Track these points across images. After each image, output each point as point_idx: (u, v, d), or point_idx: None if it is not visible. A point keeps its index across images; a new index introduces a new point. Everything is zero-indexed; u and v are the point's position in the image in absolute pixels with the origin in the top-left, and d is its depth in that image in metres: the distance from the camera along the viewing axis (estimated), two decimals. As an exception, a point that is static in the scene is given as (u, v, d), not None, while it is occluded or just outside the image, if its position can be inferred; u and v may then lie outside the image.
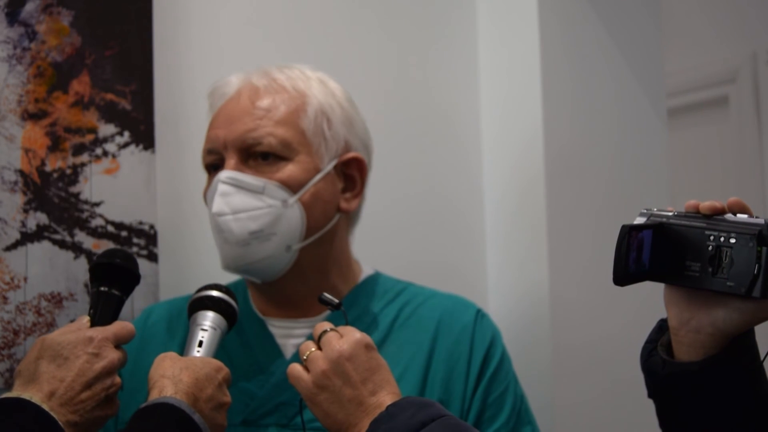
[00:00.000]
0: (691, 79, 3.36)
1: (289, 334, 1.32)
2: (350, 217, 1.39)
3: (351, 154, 1.34)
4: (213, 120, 1.33)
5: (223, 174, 1.26)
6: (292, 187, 1.28)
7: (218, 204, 1.25)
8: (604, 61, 1.93)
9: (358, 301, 1.35)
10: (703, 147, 3.41)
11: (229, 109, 1.31)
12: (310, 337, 1.30)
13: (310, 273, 1.32)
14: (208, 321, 1.17)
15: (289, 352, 1.31)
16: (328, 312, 1.32)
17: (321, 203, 1.30)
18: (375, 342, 1.12)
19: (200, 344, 1.14)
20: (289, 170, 1.28)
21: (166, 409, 0.99)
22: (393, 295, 1.38)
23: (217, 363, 1.10)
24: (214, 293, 1.20)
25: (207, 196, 1.31)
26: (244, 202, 1.26)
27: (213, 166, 1.31)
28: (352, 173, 1.35)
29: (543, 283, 1.80)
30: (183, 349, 1.18)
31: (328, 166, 1.31)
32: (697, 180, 3.36)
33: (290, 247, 1.29)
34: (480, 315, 1.37)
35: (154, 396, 1.02)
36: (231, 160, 1.27)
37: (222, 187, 1.26)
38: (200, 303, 1.19)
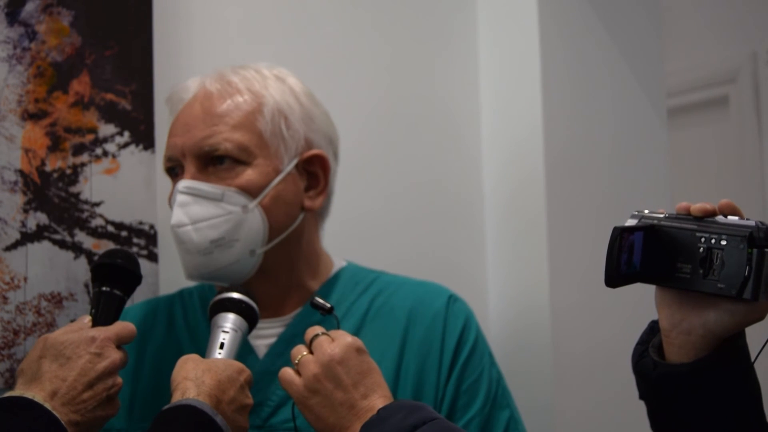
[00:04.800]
0: (691, 79, 3.36)
1: (259, 335, 1.31)
2: (318, 214, 1.38)
3: (312, 152, 1.32)
4: (171, 127, 1.32)
5: (181, 184, 1.26)
6: (251, 191, 1.27)
7: (177, 215, 1.25)
8: (604, 61, 1.93)
9: (329, 296, 1.35)
10: (703, 147, 3.41)
11: (185, 116, 1.30)
12: (299, 341, 1.31)
13: (279, 273, 1.32)
14: (229, 323, 1.17)
15: (261, 353, 1.31)
16: (298, 310, 1.33)
17: (283, 205, 1.30)
18: None
19: (221, 346, 1.15)
20: (248, 175, 1.27)
21: (188, 410, 1.00)
22: (365, 286, 1.38)
23: (239, 365, 1.11)
24: (235, 295, 1.20)
25: (170, 203, 1.31)
26: (204, 210, 1.25)
27: (174, 172, 1.32)
28: (314, 170, 1.34)
29: (543, 283, 1.80)
30: (160, 351, 1.18)
31: (289, 166, 1.30)
32: (697, 180, 3.36)
33: (254, 252, 1.28)
34: (452, 300, 1.36)
35: (177, 398, 1.02)
36: (190, 168, 1.27)
37: (180, 198, 1.25)
38: (220, 305, 1.19)
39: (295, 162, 1.31)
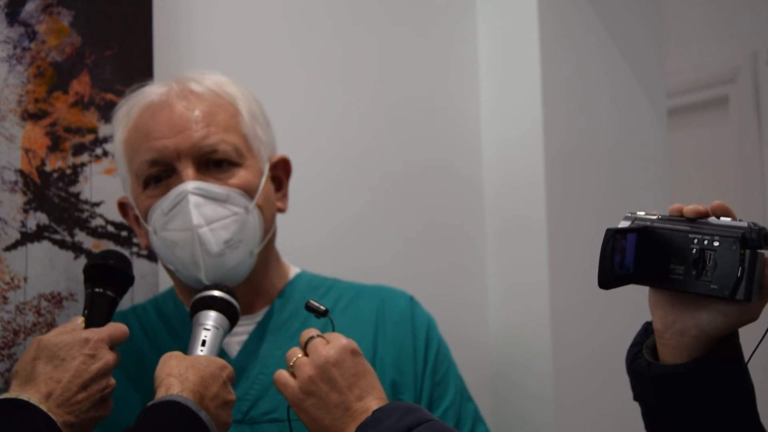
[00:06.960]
0: (691, 79, 3.36)
1: (231, 332, 1.30)
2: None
3: (279, 155, 1.36)
4: (148, 131, 1.27)
5: (191, 185, 1.23)
6: (249, 192, 1.28)
7: (196, 216, 1.23)
8: (604, 61, 1.93)
9: (293, 295, 1.36)
10: (703, 147, 3.41)
11: (167, 117, 1.27)
12: (269, 338, 1.32)
13: (259, 274, 1.33)
14: (211, 320, 1.18)
15: (233, 350, 1.32)
16: (266, 309, 1.35)
17: (270, 206, 1.32)
18: None
19: (203, 343, 1.16)
20: (244, 176, 1.28)
21: (173, 406, 1.01)
22: (325, 290, 1.40)
23: (221, 361, 1.12)
24: (216, 293, 1.21)
25: (154, 210, 1.26)
26: (215, 211, 1.24)
27: (155, 178, 1.27)
28: (278, 174, 1.37)
29: (543, 283, 1.80)
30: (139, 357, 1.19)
31: (265, 169, 1.32)
32: (697, 180, 3.36)
33: (253, 252, 1.29)
34: (413, 302, 1.42)
35: (161, 394, 1.03)
36: (189, 170, 1.25)
37: (194, 199, 1.23)
38: (202, 302, 1.20)
39: (268, 164, 1.33)
